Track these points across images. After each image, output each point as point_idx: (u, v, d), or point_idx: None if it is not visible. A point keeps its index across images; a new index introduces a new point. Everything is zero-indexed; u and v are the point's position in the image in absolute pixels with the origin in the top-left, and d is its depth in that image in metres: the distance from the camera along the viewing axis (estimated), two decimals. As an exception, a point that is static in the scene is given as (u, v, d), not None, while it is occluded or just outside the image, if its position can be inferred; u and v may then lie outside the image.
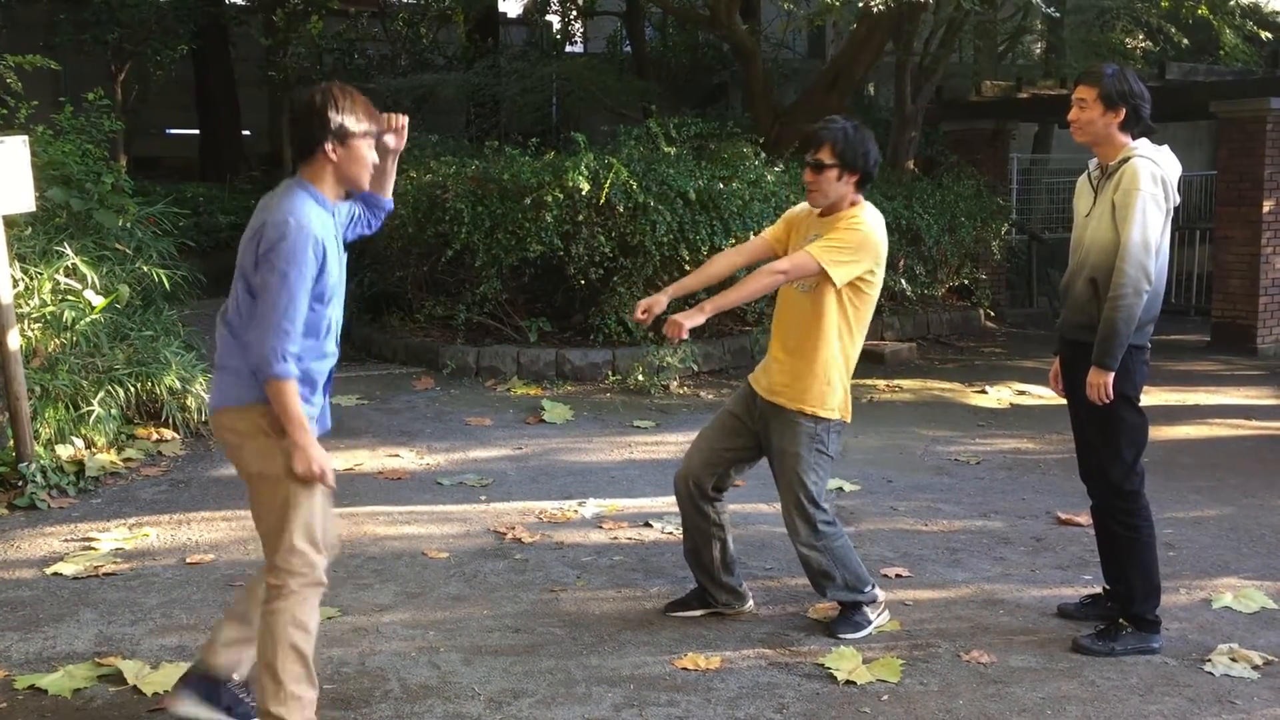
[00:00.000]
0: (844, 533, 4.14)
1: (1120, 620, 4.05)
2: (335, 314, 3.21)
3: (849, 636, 4.09)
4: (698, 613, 4.29)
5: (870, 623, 4.15)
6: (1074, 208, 4.19)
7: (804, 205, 4.17)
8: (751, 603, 4.34)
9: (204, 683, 3.35)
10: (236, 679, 3.40)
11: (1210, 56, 14.12)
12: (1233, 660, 3.93)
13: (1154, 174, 3.87)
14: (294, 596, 3.13)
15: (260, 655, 3.16)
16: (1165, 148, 3.99)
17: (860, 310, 4.02)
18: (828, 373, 3.97)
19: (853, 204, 3.98)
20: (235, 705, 3.37)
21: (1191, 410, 8.25)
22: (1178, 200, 3.96)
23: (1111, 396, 3.90)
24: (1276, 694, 3.72)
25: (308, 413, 3.12)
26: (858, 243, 3.89)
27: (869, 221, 3.95)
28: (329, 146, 3.11)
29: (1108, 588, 4.25)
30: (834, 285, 3.88)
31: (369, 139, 3.18)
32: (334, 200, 3.21)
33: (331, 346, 3.24)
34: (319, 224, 3.08)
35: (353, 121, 3.13)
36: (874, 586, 4.21)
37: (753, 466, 4.26)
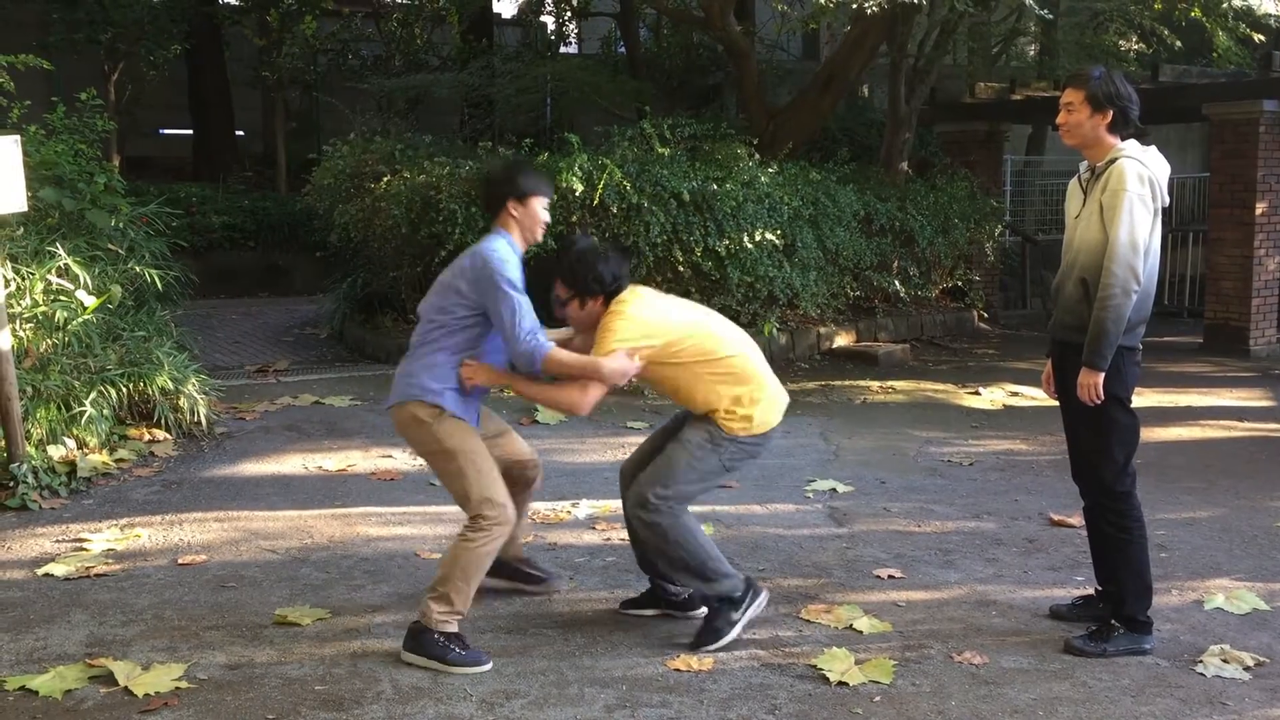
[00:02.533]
0: (686, 523, 3.95)
1: (1112, 621, 4.06)
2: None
3: (709, 647, 3.97)
4: (650, 612, 4.28)
5: (733, 625, 4.01)
6: (1065, 209, 4.20)
7: None
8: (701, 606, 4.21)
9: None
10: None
11: (1203, 59, 14.16)
12: (1224, 661, 3.94)
13: (1141, 174, 3.88)
14: (485, 535, 3.83)
15: (442, 564, 3.89)
16: (1153, 148, 4.00)
17: (692, 364, 3.91)
18: (718, 404, 3.93)
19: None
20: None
21: (1184, 411, 8.27)
22: (1166, 201, 3.97)
23: (1102, 397, 3.91)
24: (1268, 695, 3.73)
25: (466, 409, 3.92)
26: (616, 327, 3.87)
27: (630, 305, 3.93)
28: (510, 204, 3.91)
29: (1100, 589, 4.26)
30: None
31: (542, 200, 3.95)
32: (522, 248, 3.98)
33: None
34: (509, 254, 3.87)
35: (530, 184, 3.92)
36: (733, 580, 4.02)
37: None
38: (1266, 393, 9.08)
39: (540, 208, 3.97)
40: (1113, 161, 3.92)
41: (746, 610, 4.06)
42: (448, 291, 3.91)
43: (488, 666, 3.84)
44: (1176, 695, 3.72)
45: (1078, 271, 4.00)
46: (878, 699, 3.67)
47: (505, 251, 3.87)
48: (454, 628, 3.88)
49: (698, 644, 3.99)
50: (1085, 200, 4.02)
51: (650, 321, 3.91)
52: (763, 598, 4.13)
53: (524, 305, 3.82)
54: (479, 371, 3.92)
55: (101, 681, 3.70)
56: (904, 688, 3.75)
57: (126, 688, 3.64)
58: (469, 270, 3.86)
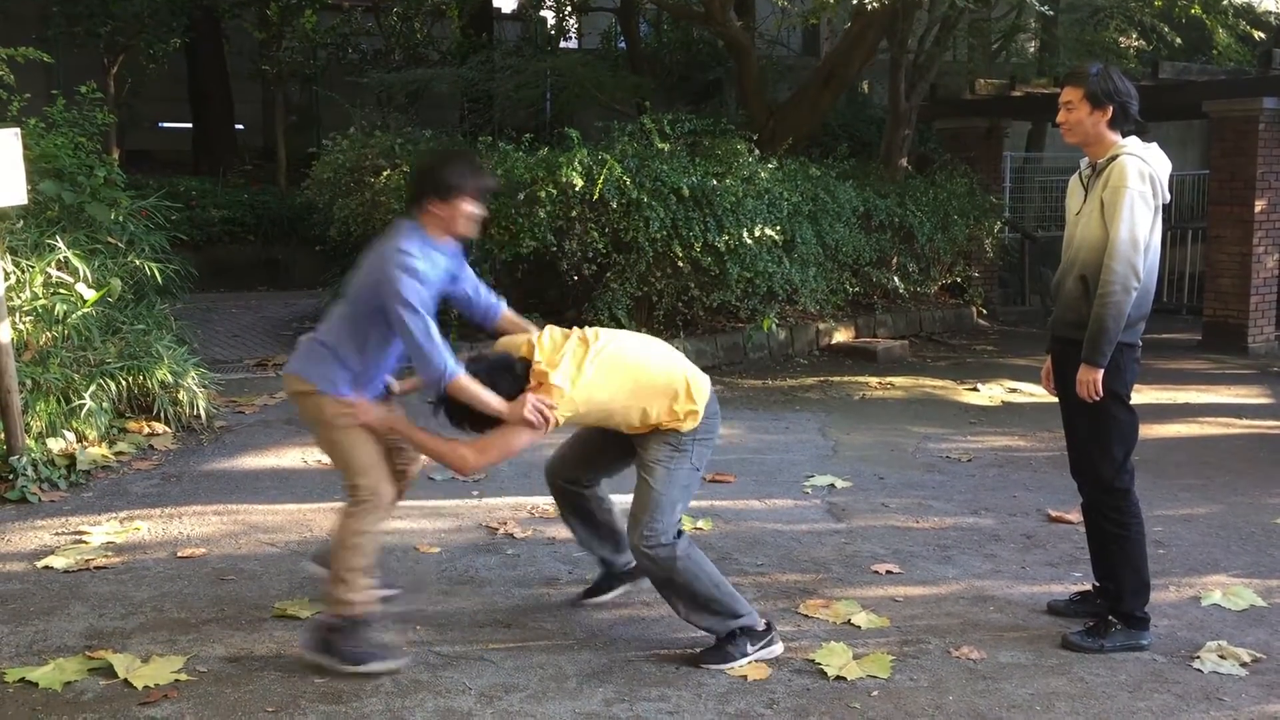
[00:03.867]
0: (692, 555, 3.81)
1: (1109, 617, 4.07)
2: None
3: (714, 666, 3.81)
4: (610, 595, 4.34)
5: (745, 655, 3.83)
6: (1066, 206, 4.21)
7: None
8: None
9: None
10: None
11: (1203, 56, 14.16)
12: (1221, 657, 3.95)
13: (1142, 171, 3.88)
14: (361, 506, 3.71)
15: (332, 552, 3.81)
16: (1154, 145, 4.00)
17: (621, 404, 3.76)
18: (660, 416, 3.77)
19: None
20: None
21: (1182, 408, 8.28)
22: (1167, 198, 3.97)
23: (1101, 394, 3.92)
24: (1264, 691, 3.74)
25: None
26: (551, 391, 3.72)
27: (553, 375, 3.71)
28: (432, 200, 3.66)
29: (1097, 585, 4.27)
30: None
31: (470, 197, 3.69)
32: (440, 241, 3.73)
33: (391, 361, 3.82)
34: (422, 258, 3.58)
35: (455, 180, 3.66)
36: (751, 616, 3.88)
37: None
38: (1264, 390, 9.09)
39: (466, 204, 3.69)
40: (1114, 158, 3.92)
41: (762, 649, 3.88)
42: (352, 302, 3.74)
43: (378, 666, 3.73)
44: (1173, 691, 3.73)
45: (1078, 268, 4.01)
46: (875, 694, 3.68)
47: (412, 251, 3.58)
48: (356, 610, 3.72)
49: (703, 660, 3.85)
50: (1086, 197, 4.03)
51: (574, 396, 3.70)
52: (778, 647, 3.93)
53: (430, 325, 3.55)
54: (369, 412, 3.73)
55: (101, 674, 3.71)
56: (902, 682, 3.76)
57: (126, 680, 3.65)
58: (374, 274, 3.62)
